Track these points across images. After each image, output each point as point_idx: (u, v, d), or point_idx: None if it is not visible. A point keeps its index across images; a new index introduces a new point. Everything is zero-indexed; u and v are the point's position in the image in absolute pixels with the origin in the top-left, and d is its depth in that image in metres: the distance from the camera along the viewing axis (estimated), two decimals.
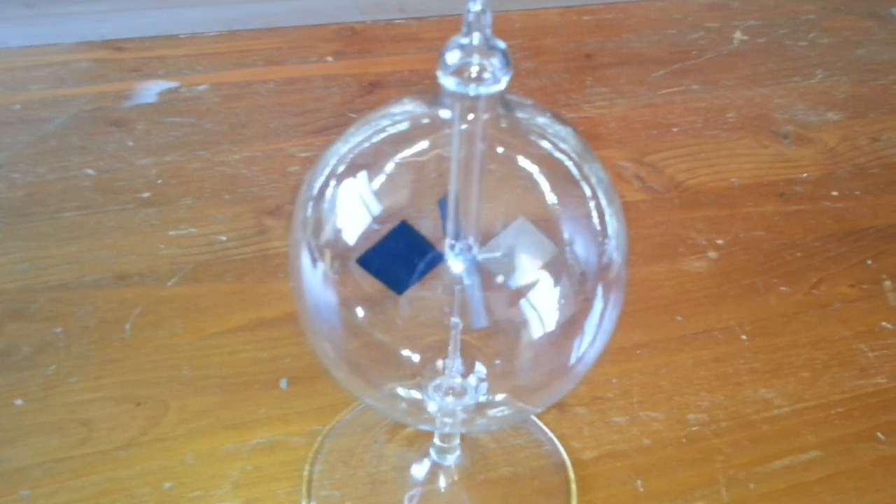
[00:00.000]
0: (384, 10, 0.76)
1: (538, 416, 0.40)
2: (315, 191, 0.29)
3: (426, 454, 0.38)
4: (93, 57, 0.67)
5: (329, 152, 0.29)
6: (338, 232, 0.29)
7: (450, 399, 0.32)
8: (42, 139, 0.58)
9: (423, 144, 0.28)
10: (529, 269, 0.28)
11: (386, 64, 0.69)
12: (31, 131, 0.58)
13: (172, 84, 0.64)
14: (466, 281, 0.28)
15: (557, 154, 0.28)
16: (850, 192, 0.57)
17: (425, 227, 0.27)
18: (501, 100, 0.26)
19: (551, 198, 0.28)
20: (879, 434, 0.41)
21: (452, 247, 0.28)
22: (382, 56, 0.70)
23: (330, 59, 0.69)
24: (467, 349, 0.32)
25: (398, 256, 0.26)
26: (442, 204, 0.27)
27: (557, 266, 0.29)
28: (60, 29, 0.71)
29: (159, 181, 0.54)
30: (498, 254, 0.28)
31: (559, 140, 0.28)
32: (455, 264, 0.28)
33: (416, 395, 0.32)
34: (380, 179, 0.28)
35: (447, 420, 0.32)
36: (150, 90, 0.63)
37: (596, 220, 0.29)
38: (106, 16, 0.74)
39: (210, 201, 0.53)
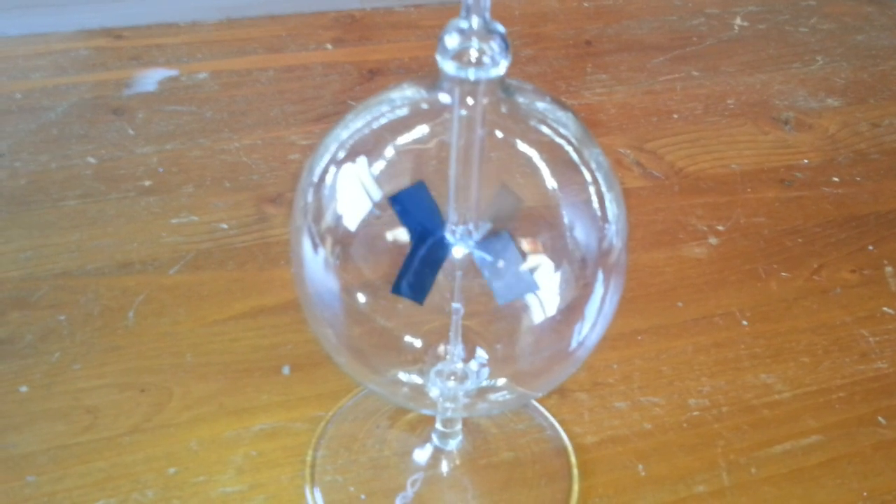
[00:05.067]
0: None
1: (539, 401, 0.41)
2: (315, 177, 0.29)
3: (428, 439, 0.38)
4: (92, 45, 0.67)
5: (329, 138, 0.29)
6: (338, 218, 0.29)
7: (451, 384, 0.32)
8: (43, 128, 0.58)
9: (423, 130, 0.28)
10: (504, 223, 0.28)
11: (385, 51, 0.69)
12: (33, 120, 0.58)
13: (172, 72, 0.64)
14: (479, 263, 0.28)
15: (557, 139, 0.28)
16: (850, 178, 0.57)
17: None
18: (501, 84, 0.26)
19: (551, 183, 0.29)
20: (880, 418, 0.41)
21: (453, 232, 0.28)
22: (382, 43, 0.70)
23: (329, 46, 0.69)
24: (468, 334, 0.32)
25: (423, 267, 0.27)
26: (395, 200, 0.27)
27: (558, 251, 0.29)
28: (60, 17, 0.71)
29: (160, 169, 0.54)
30: (489, 258, 0.28)
31: (559, 125, 0.28)
32: (456, 249, 0.28)
33: (417, 380, 0.32)
34: (380, 165, 0.28)
35: (449, 405, 0.32)
36: (150, 78, 0.63)
37: (596, 205, 0.29)
38: (105, 4, 0.74)
39: (211, 189, 0.53)
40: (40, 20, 0.70)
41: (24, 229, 0.49)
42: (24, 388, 0.40)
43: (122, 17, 0.71)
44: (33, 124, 0.58)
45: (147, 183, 0.53)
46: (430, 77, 0.27)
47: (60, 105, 0.60)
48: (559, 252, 0.29)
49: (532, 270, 0.28)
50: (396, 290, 0.27)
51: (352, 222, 0.28)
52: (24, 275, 0.46)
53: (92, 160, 0.55)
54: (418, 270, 0.27)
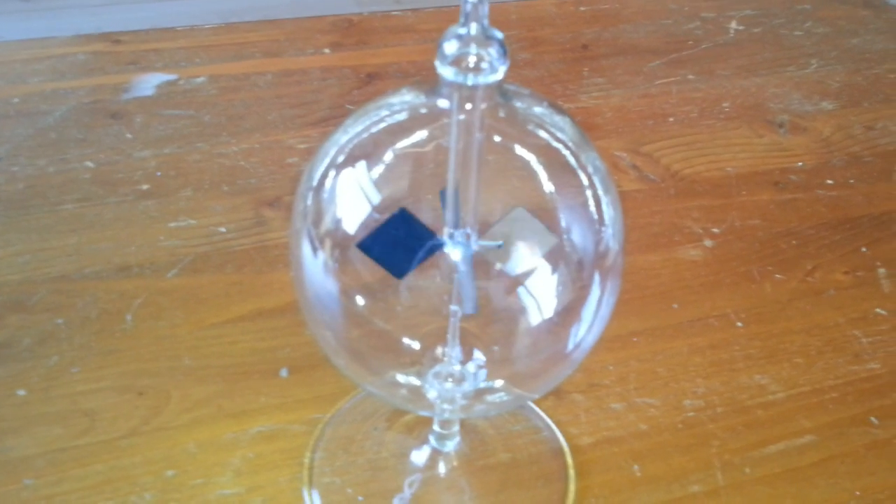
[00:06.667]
0: (380, 1, 0.77)
1: (536, 402, 0.41)
2: (315, 181, 0.29)
3: (425, 441, 0.38)
4: (90, 50, 0.67)
5: (329, 142, 0.29)
6: (338, 221, 0.29)
7: (449, 386, 0.32)
8: (41, 132, 0.58)
9: (422, 134, 0.29)
10: (528, 258, 0.29)
11: (383, 55, 0.69)
12: (31, 124, 0.59)
13: (170, 76, 0.64)
14: (461, 268, 0.29)
15: (555, 143, 0.29)
16: (844, 181, 0.57)
17: (424, 216, 0.28)
18: (499, 89, 0.27)
19: (549, 186, 0.29)
20: (873, 418, 0.41)
21: (451, 235, 0.28)
22: (379, 47, 0.70)
23: (327, 50, 0.69)
24: (466, 336, 0.32)
25: (398, 242, 0.27)
26: (444, 194, 0.28)
27: (555, 254, 0.29)
28: (57, 22, 0.71)
29: (158, 173, 0.54)
30: (495, 243, 0.28)
31: (556, 129, 0.29)
32: (454, 252, 0.28)
33: (415, 382, 0.32)
34: (379, 169, 0.29)
35: (446, 406, 0.32)
36: (148, 83, 0.64)
37: (593, 208, 0.29)
38: (102, 8, 0.74)
39: (209, 193, 0.53)
40: (38, 25, 0.71)
41: (22, 233, 0.49)
42: (21, 392, 0.40)
43: (120, 22, 0.71)
44: (31, 129, 0.58)
45: (145, 187, 0.53)
46: (429, 82, 0.27)
47: (58, 109, 0.60)
48: (556, 255, 0.29)
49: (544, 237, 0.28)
50: (363, 245, 0.27)
51: (351, 226, 0.29)
52: (22, 279, 0.46)
53: (90, 164, 0.55)
54: (392, 242, 0.27)
